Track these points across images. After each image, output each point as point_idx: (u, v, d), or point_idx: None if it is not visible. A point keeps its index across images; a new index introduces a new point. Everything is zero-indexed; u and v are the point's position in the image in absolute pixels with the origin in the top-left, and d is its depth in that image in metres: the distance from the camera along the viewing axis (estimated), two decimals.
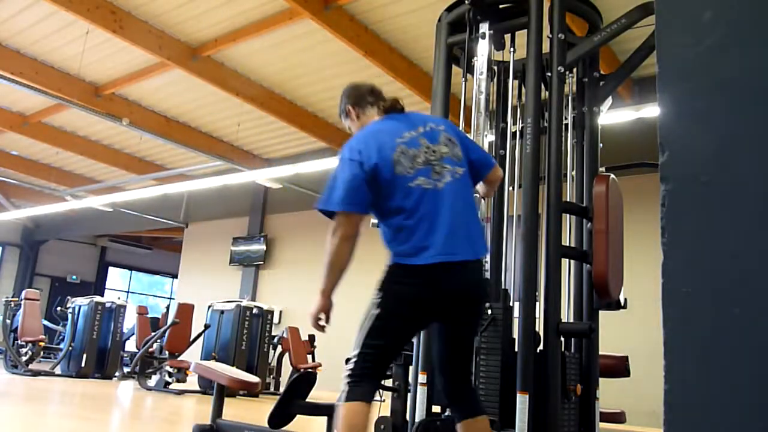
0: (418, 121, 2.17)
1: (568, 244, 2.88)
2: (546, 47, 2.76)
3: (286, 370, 8.82)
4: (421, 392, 2.68)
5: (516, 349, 2.49)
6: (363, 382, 1.97)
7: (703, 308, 0.72)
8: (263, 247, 11.94)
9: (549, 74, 2.73)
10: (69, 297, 10.06)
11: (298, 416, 3.16)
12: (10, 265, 17.05)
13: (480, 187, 2.33)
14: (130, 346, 10.41)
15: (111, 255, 18.96)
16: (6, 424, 3.98)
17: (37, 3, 7.00)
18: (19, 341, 8.82)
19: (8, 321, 9.31)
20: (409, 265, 1.98)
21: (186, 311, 8.15)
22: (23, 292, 9.38)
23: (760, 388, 0.67)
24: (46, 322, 10.02)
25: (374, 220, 2.95)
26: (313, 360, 8.76)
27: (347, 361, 2.02)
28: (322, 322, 2.12)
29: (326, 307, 2.11)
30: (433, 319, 2.09)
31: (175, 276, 16.39)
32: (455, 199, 2.05)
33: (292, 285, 11.41)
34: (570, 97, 3.05)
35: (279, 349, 8.92)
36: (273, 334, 8.78)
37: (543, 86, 2.74)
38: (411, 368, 2.88)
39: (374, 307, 2.01)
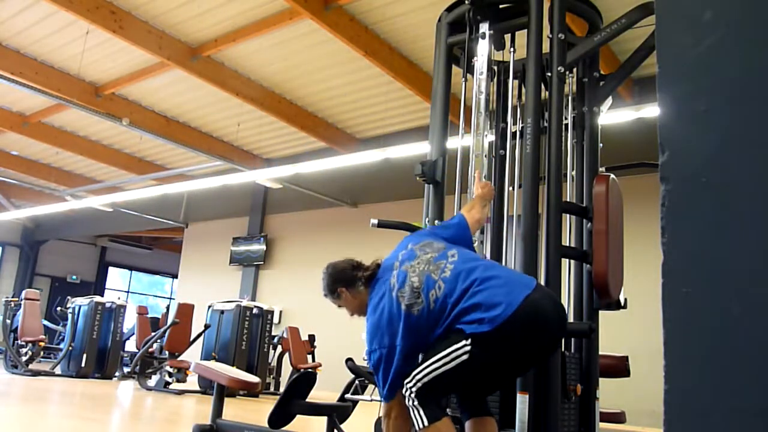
0: (392, 260, 2.22)
1: (568, 244, 2.87)
2: (546, 47, 2.76)
3: (286, 370, 8.82)
4: None
5: None
6: (432, 400, 1.96)
7: (703, 308, 0.72)
8: (263, 247, 11.94)
9: (549, 74, 2.73)
10: (69, 297, 10.06)
11: (298, 416, 3.16)
12: (10, 265, 17.05)
13: (476, 227, 2.45)
14: (130, 346, 10.42)
15: (111, 255, 18.96)
16: (6, 424, 3.98)
17: (37, 3, 7.00)
18: (19, 341, 8.82)
19: (8, 321, 9.31)
20: (496, 329, 1.88)
21: (186, 311, 8.15)
22: (23, 292, 9.38)
23: (760, 388, 0.67)
24: (46, 322, 10.02)
25: (374, 221, 2.95)
26: (313, 360, 8.76)
27: (409, 379, 1.98)
28: None
29: None
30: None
31: (175, 276, 16.39)
32: (471, 267, 2.05)
33: (292, 285, 11.41)
34: (570, 97, 3.04)
35: (279, 349, 8.92)
36: (273, 334, 8.78)
37: (543, 86, 2.74)
38: None
39: (462, 351, 1.91)
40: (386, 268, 2.21)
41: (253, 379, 3.70)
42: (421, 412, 1.91)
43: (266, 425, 3.08)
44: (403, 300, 2.05)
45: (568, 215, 2.88)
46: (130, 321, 10.01)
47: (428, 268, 2.08)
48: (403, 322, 2.03)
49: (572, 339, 2.75)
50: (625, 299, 2.77)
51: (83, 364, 8.93)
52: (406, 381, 1.97)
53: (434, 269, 2.07)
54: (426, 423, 1.89)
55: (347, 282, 2.30)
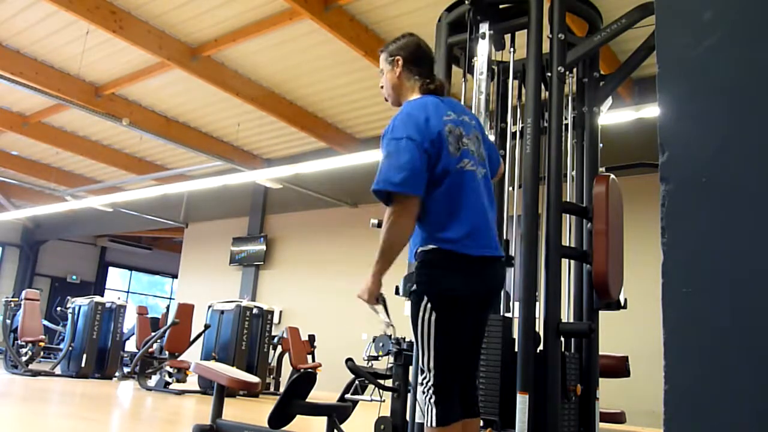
0: (458, 107, 2.12)
1: (568, 244, 2.87)
2: (546, 47, 2.76)
3: (286, 370, 8.82)
4: None
5: (516, 349, 2.49)
6: (449, 399, 1.91)
7: (703, 308, 0.72)
8: (263, 247, 11.94)
9: (549, 74, 2.73)
10: (69, 297, 10.06)
11: (298, 416, 3.16)
12: (10, 265, 17.04)
13: None
14: (130, 346, 10.41)
15: (111, 255, 18.96)
16: (6, 424, 3.98)
17: (37, 3, 7.00)
18: (19, 341, 8.82)
19: (8, 321, 9.30)
20: (457, 253, 1.90)
21: (186, 311, 8.15)
22: (23, 292, 9.37)
23: (759, 388, 0.67)
24: (46, 322, 10.02)
25: (374, 221, 2.95)
26: (313, 360, 8.76)
27: (422, 381, 1.94)
28: (375, 306, 2.01)
29: (378, 291, 1.99)
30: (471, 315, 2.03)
31: (175, 276, 16.39)
32: (487, 195, 2.05)
33: (292, 285, 11.41)
34: (570, 97, 3.04)
35: (279, 349, 8.92)
36: (273, 334, 8.78)
37: (543, 86, 2.74)
38: (411, 368, 2.88)
39: (428, 312, 1.91)
40: (449, 104, 2.08)
41: (253, 379, 3.70)
42: (434, 411, 1.88)
43: (266, 425, 3.08)
44: (446, 132, 1.97)
45: (568, 215, 2.88)
46: (130, 321, 10.01)
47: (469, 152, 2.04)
48: (438, 141, 1.94)
49: (572, 339, 2.75)
50: (625, 299, 2.77)
51: (83, 364, 8.92)
52: (421, 378, 1.95)
53: (472, 161, 2.02)
54: (434, 424, 1.88)
55: (414, 62, 2.12)
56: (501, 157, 2.51)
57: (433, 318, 1.90)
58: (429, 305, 1.91)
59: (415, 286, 1.96)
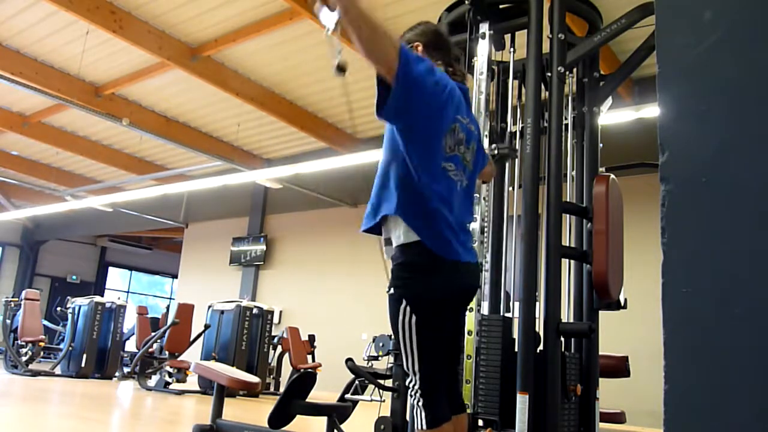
0: (471, 115, 2.09)
1: (568, 244, 2.87)
2: (546, 47, 2.76)
3: (286, 370, 8.82)
4: None
5: (516, 349, 2.49)
6: (438, 400, 1.90)
7: (703, 308, 0.72)
8: (263, 247, 11.94)
9: (549, 74, 2.73)
10: (69, 297, 10.06)
11: (298, 416, 3.16)
12: (10, 265, 17.05)
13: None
14: (130, 346, 10.42)
15: (111, 255, 18.96)
16: (6, 424, 3.98)
17: (37, 3, 7.00)
18: (19, 341, 8.83)
19: (8, 321, 9.31)
20: (436, 254, 1.87)
21: (186, 311, 8.15)
22: (23, 292, 9.38)
23: (760, 388, 0.67)
24: (46, 322, 10.02)
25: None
26: (313, 360, 8.75)
27: (410, 386, 1.92)
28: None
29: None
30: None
31: (175, 276, 16.39)
32: (466, 203, 2.04)
33: (292, 285, 11.41)
34: (570, 97, 3.04)
35: (279, 349, 8.92)
36: (273, 334, 8.78)
37: (543, 86, 2.74)
38: None
39: (407, 315, 1.89)
40: (467, 107, 2.04)
41: (253, 379, 3.70)
42: (423, 413, 1.87)
43: (266, 425, 3.08)
44: (451, 127, 1.93)
45: (568, 215, 2.88)
46: (130, 321, 10.01)
47: (462, 160, 2.01)
48: (442, 122, 1.89)
49: (572, 339, 2.75)
50: (625, 299, 2.77)
51: (83, 364, 8.93)
52: (407, 381, 1.95)
53: (460, 169, 1.99)
54: (425, 426, 1.88)
55: (435, 48, 2.05)
56: (490, 158, 2.49)
57: (413, 320, 1.89)
58: (408, 308, 1.89)
59: (392, 290, 1.94)
